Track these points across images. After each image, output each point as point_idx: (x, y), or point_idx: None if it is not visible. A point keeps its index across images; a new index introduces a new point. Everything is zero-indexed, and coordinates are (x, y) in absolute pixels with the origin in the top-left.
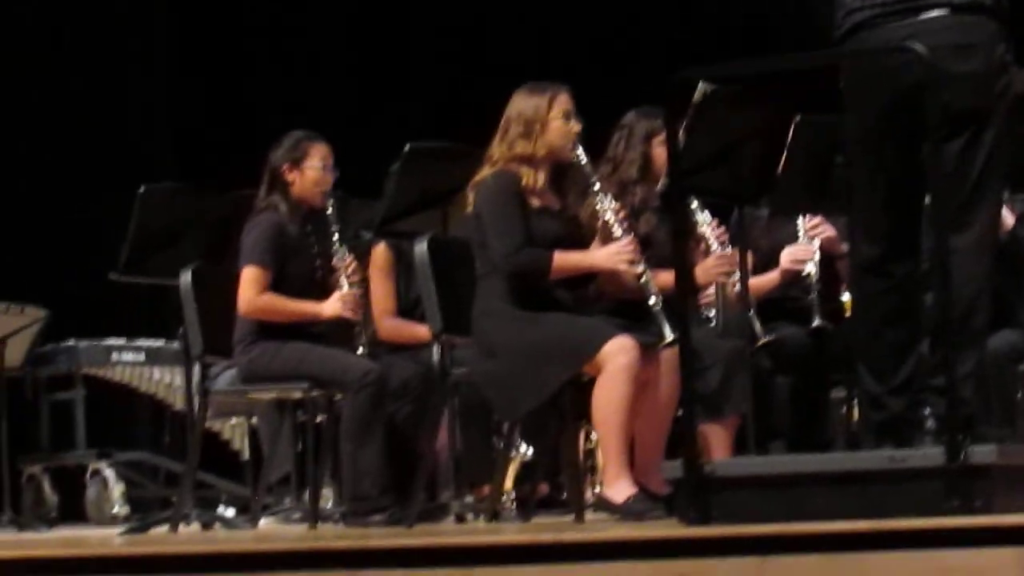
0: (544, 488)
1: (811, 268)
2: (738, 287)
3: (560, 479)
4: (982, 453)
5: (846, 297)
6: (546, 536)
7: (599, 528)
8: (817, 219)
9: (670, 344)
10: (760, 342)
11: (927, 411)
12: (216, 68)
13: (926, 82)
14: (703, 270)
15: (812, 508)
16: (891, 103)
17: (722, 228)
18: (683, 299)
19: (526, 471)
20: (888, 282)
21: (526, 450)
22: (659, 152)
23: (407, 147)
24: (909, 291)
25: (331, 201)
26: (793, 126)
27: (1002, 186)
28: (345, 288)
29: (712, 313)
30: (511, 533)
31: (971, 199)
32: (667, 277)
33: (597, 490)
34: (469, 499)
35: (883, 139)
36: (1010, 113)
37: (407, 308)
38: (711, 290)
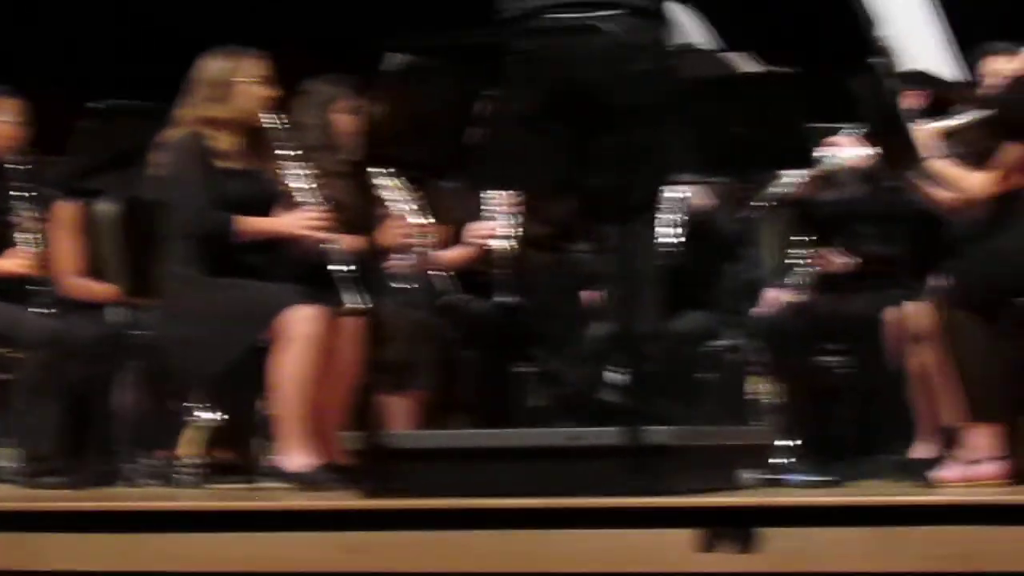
0: (230, 455)
1: (501, 243)
2: (429, 257)
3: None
4: (659, 433)
5: None
6: (216, 503)
7: (273, 497)
8: (509, 194)
9: (354, 312)
10: (443, 303)
11: (607, 389)
12: None
13: (595, 75)
14: (393, 238)
15: (492, 483)
16: (558, 92)
17: (416, 197)
18: (370, 267)
19: (214, 437)
20: (559, 258)
21: (216, 415)
22: (341, 119)
23: (96, 104)
24: (578, 268)
25: (20, 157)
26: (489, 101)
27: (665, 178)
28: (27, 244)
29: (402, 283)
30: (184, 499)
31: (634, 189)
32: (356, 243)
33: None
34: (148, 463)
35: (548, 126)
36: (700, 98)
37: (89, 267)
38: (401, 259)
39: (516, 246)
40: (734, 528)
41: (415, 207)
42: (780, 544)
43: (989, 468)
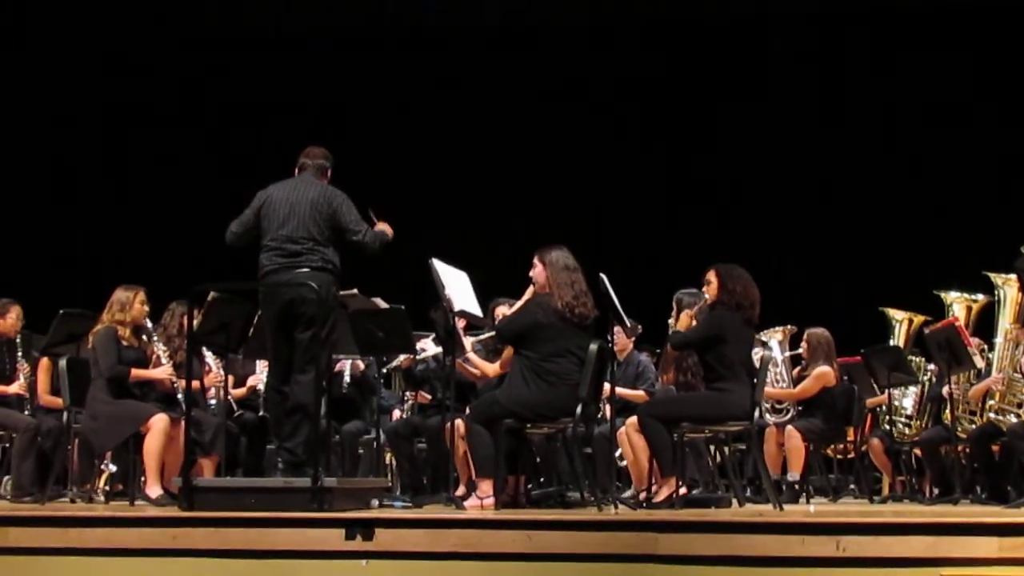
0: (121, 487)
1: (261, 386)
2: (225, 392)
3: None
4: (329, 480)
5: None
6: (112, 513)
7: (142, 509)
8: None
9: (182, 417)
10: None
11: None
12: None
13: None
14: (209, 382)
15: (254, 505)
16: (283, 312)
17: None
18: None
19: (112, 476)
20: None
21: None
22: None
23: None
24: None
25: (19, 333)
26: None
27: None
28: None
29: (212, 402)
30: (100, 510)
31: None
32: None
33: None
34: (80, 491)
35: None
36: (361, 316)
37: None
38: (211, 392)
39: (264, 389)
40: (362, 528)
41: (221, 366)
42: (387, 536)
43: (488, 501)
